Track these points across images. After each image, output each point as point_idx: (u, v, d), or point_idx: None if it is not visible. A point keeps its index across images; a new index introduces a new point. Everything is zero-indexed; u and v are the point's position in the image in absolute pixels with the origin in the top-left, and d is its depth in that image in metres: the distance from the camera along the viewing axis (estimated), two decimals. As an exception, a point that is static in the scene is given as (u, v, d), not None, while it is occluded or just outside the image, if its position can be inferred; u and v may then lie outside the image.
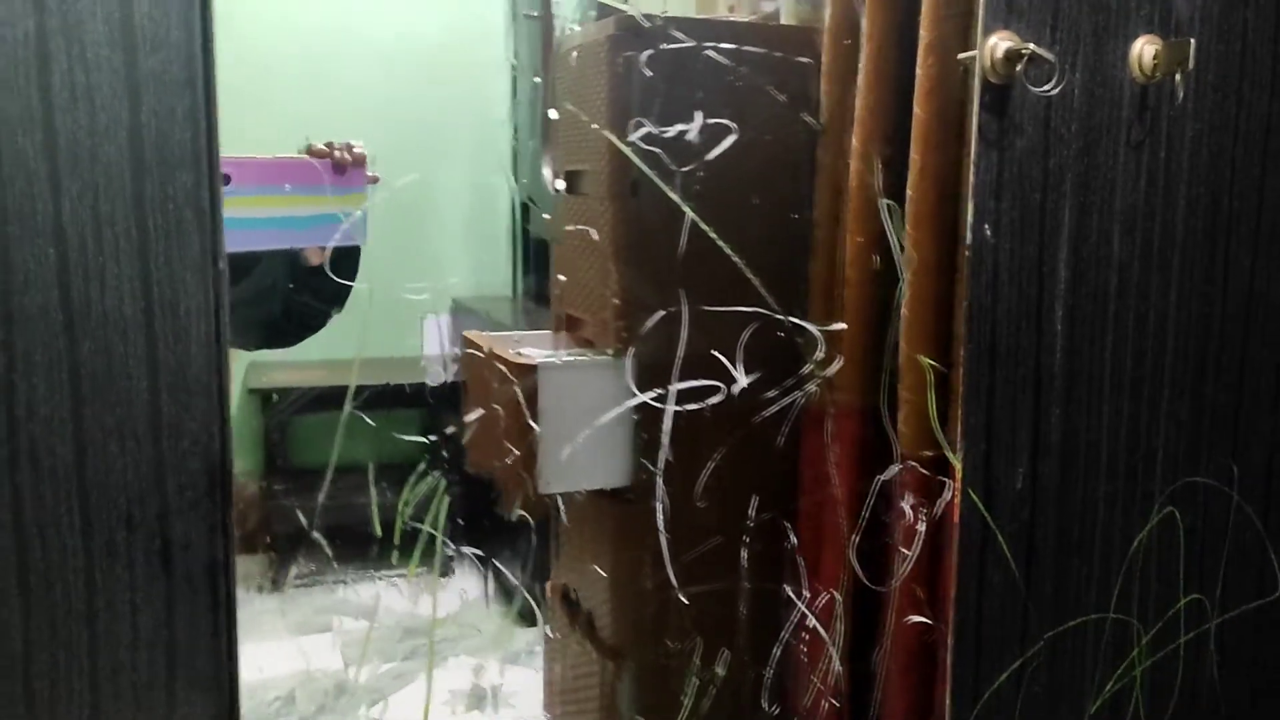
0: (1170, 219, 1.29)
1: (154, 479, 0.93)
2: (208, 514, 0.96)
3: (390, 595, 2.98)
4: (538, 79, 3.15)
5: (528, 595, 2.32)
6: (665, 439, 1.31)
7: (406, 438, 1.43)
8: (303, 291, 1.29)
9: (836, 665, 1.33)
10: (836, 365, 1.30)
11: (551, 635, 1.71)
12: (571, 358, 1.45)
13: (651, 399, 1.27)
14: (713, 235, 1.27)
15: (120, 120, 0.89)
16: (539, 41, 3.05)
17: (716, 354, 1.29)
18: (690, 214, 1.26)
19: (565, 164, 1.59)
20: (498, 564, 2.10)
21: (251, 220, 1.15)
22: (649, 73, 1.27)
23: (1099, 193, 1.25)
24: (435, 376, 3.05)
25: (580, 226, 1.47)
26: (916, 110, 1.23)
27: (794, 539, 1.32)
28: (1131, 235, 1.28)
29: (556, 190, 1.59)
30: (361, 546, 3.10)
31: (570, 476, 1.44)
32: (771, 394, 1.34)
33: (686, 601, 1.30)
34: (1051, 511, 1.26)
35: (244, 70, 3.14)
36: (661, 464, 1.31)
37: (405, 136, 3.27)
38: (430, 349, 3.45)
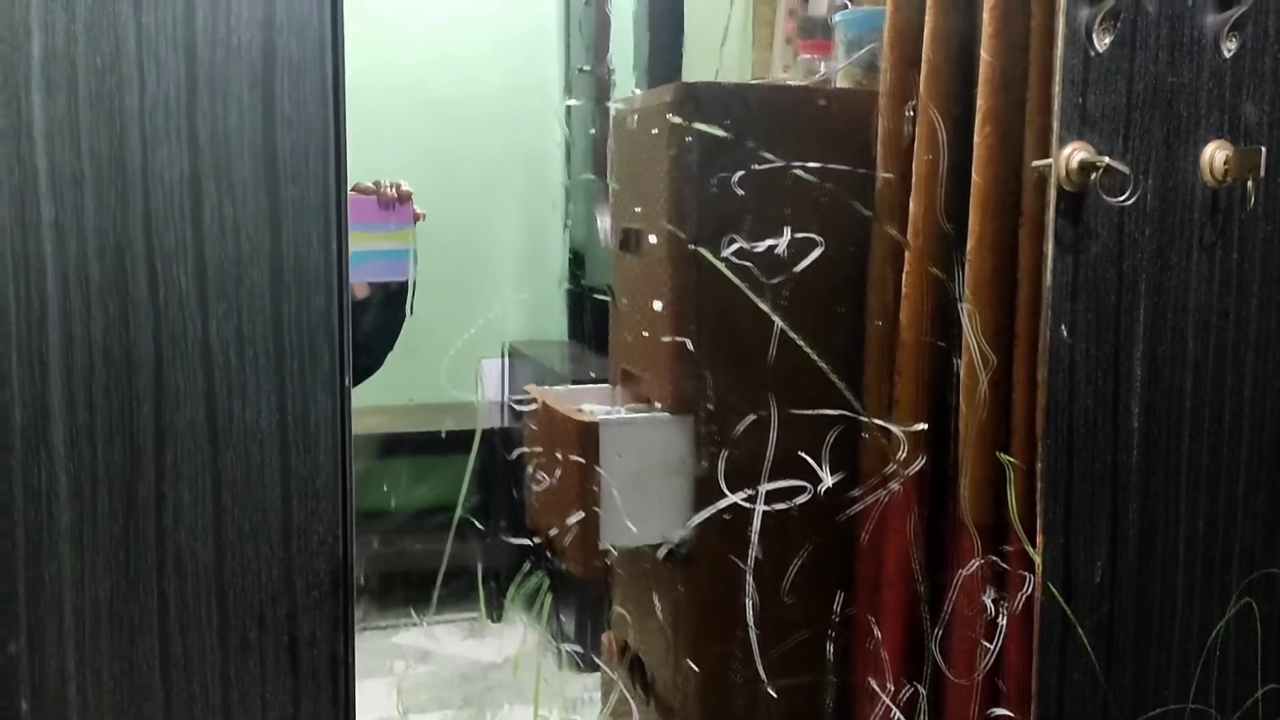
0: (1244, 317, 1.34)
1: (284, 580, 1.00)
2: (331, 611, 1.03)
3: (447, 638, 2.97)
4: (592, 131, 3.25)
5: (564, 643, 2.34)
6: (755, 537, 1.37)
7: (514, 540, 1.49)
8: (358, 332, 1.34)
9: None
10: (919, 464, 1.35)
11: (609, 684, 1.74)
12: (631, 414, 1.50)
13: (742, 499, 1.33)
14: (800, 343, 1.33)
15: (262, 248, 0.97)
16: (592, 94, 3.15)
17: (803, 455, 1.35)
18: (780, 323, 1.32)
19: (620, 222, 1.66)
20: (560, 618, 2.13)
21: None
22: (740, 192, 1.34)
23: (1173, 293, 1.30)
24: (487, 421, 3.11)
25: (641, 282, 1.53)
26: (975, 178, 1.29)
27: (879, 634, 1.37)
28: (1205, 334, 1.32)
29: (611, 248, 1.65)
30: (414, 591, 3.11)
31: (629, 532, 1.48)
32: (855, 493, 1.39)
33: (775, 695, 1.35)
34: (1130, 604, 1.30)
35: None
36: (751, 561, 1.37)
37: (461, 185, 3.36)
38: (487, 393, 3.51)
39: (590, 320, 3.34)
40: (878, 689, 1.34)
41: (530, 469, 1.62)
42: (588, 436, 1.43)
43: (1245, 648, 1.37)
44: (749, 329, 1.35)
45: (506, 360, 3.35)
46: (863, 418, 1.36)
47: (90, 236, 0.93)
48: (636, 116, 1.59)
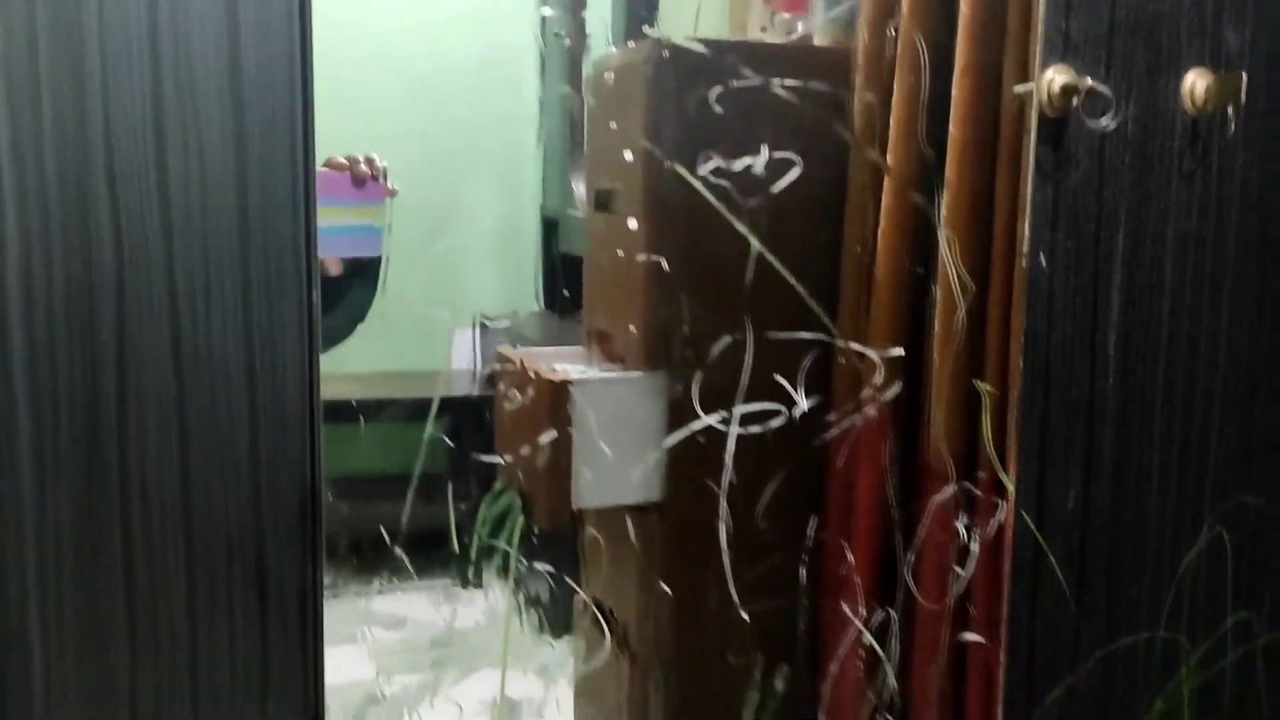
0: (1221, 246, 1.33)
1: (251, 509, 0.99)
2: (300, 540, 1.01)
3: (419, 604, 3.00)
4: (567, 88, 3.21)
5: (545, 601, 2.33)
6: (729, 460, 1.36)
7: (485, 458, 1.48)
8: (328, 303, 1.33)
9: (892, 682, 1.37)
10: (894, 390, 1.35)
11: (583, 649, 1.75)
12: (605, 374, 1.49)
13: (716, 422, 1.32)
14: (779, 266, 1.31)
15: (228, 172, 0.94)
16: (568, 61, 3.10)
17: (779, 378, 1.34)
18: (757, 245, 1.30)
19: (596, 183, 1.63)
20: (544, 571, 2.14)
21: None
22: (719, 109, 1.32)
23: (1152, 222, 1.29)
24: (460, 389, 3.11)
25: (614, 243, 1.51)
26: (953, 131, 1.27)
27: (851, 558, 1.37)
28: (1183, 262, 1.32)
29: (586, 208, 1.63)
30: (386, 557, 3.15)
31: (603, 492, 1.48)
32: (830, 417, 1.38)
33: (746, 618, 1.35)
34: (1102, 532, 1.30)
35: None
36: (725, 485, 1.36)
37: (434, 154, 3.34)
38: (459, 363, 3.51)
39: (564, 290, 3.32)
40: (850, 613, 1.35)
41: (503, 431, 1.61)
42: (560, 396, 1.42)
43: (1216, 576, 1.39)
44: (725, 250, 1.33)
45: (479, 330, 3.33)
46: (839, 342, 1.35)
47: (49, 157, 0.90)
48: (612, 76, 1.56)
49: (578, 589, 1.61)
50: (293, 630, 1.03)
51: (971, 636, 1.29)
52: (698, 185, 1.31)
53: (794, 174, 1.35)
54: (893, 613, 1.38)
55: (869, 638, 1.35)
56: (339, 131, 3.44)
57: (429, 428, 1.61)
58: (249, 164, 0.95)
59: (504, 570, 1.36)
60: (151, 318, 0.95)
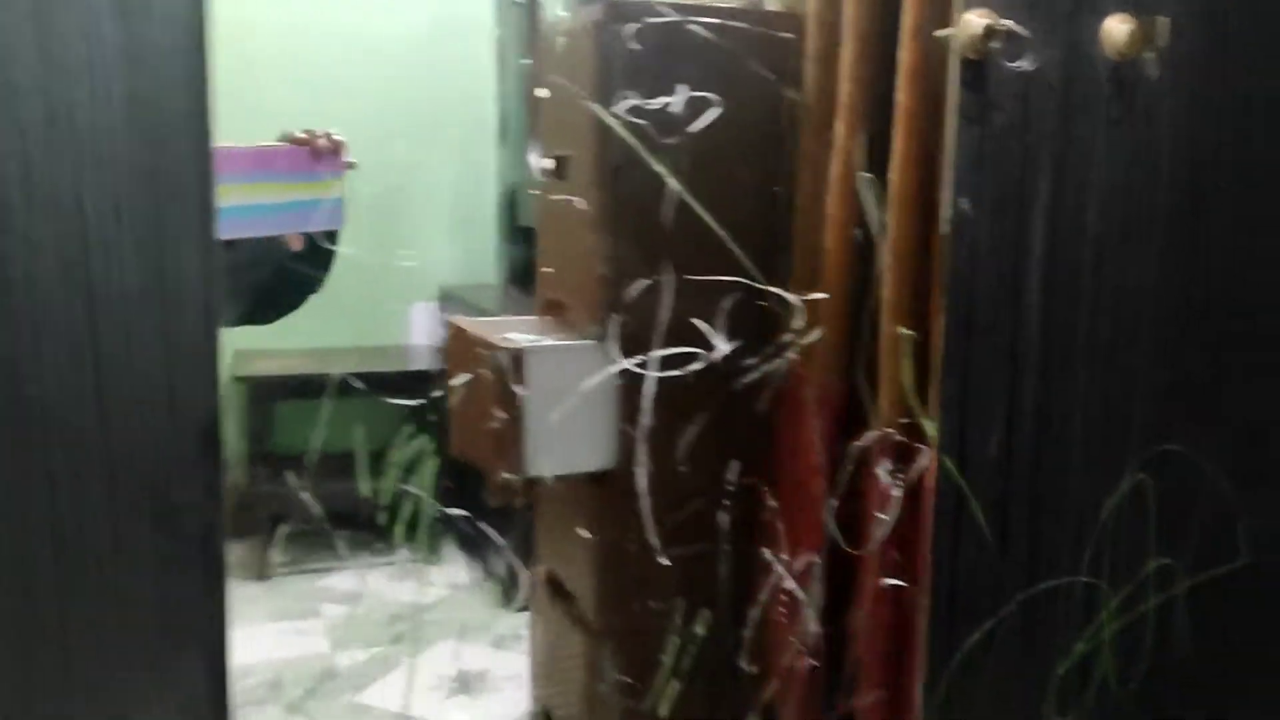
0: (1148, 195, 1.33)
1: (153, 444, 0.97)
2: (202, 476, 1.00)
3: (377, 581, 3.02)
4: (526, 60, 3.18)
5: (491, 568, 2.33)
6: (647, 404, 1.35)
7: (395, 400, 1.47)
8: (283, 274, 1.33)
9: (814, 626, 1.38)
10: (816, 334, 1.34)
11: (537, 617, 1.75)
12: (556, 341, 1.48)
13: (634, 365, 1.31)
14: (697, 207, 1.30)
15: (120, 87, 0.92)
16: (526, 29, 3.08)
17: (698, 322, 1.33)
18: (675, 185, 1.29)
19: (551, 149, 1.62)
20: (482, 527, 2.14)
21: (233, 208, 1.20)
22: (636, 46, 1.30)
23: (1076, 168, 1.29)
24: (422, 362, 3.10)
25: (565, 211, 1.50)
26: (900, 95, 1.26)
27: (774, 503, 1.36)
28: (1108, 209, 1.31)
29: (542, 175, 1.62)
30: (348, 532, 3.17)
31: (555, 460, 1.47)
32: (751, 361, 1.37)
33: (668, 563, 1.34)
34: (1025, 479, 1.31)
35: (231, 61, 3.16)
36: (643, 429, 1.35)
37: (392, 127, 3.31)
38: (418, 336, 3.49)
39: (524, 262, 3.31)
40: (773, 558, 1.35)
41: (454, 401, 1.60)
42: (511, 363, 1.41)
43: (1137, 523, 1.39)
44: (644, 191, 1.32)
45: (439, 303, 3.32)
46: (760, 285, 1.34)
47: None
48: (563, 40, 1.54)
49: (512, 559, 1.60)
50: (196, 566, 1.02)
51: (895, 582, 1.30)
52: (616, 126, 1.30)
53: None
54: (816, 558, 1.38)
55: (792, 583, 1.35)
56: (294, 103, 3.43)
57: (399, 408, 1.59)
58: (143, 80, 0.92)
59: (417, 517, 1.35)
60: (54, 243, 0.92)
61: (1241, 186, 1.36)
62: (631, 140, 1.27)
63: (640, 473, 1.30)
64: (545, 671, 1.86)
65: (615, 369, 1.31)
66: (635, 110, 1.27)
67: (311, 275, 1.34)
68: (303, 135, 1.28)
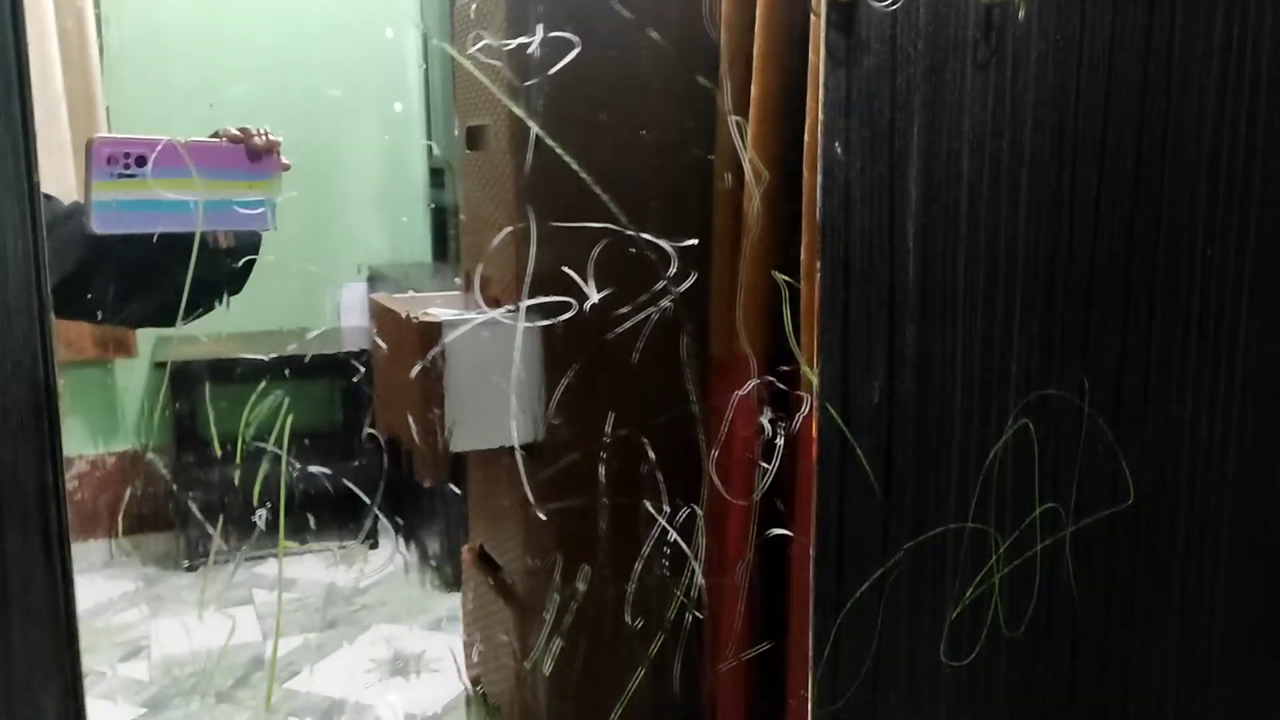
0: (1018, 138, 1.34)
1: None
2: (35, 440, 0.94)
3: (311, 567, 2.98)
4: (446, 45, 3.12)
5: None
6: (517, 355, 1.32)
7: (250, 356, 1.41)
8: (208, 275, 1.29)
9: (699, 579, 1.35)
10: (690, 281, 1.32)
11: (468, 594, 1.71)
12: (478, 316, 1.44)
13: (502, 315, 1.28)
14: (560, 151, 1.27)
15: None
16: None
17: (567, 270, 1.30)
18: (535, 129, 1.26)
19: (467, 119, 1.58)
20: (379, 514, 2.09)
21: (164, 203, 1.11)
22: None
23: (947, 112, 1.29)
24: (349, 344, 3.03)
25: (479, 182, 1.47)
26: (757, 39, 1.25)
27: (652, 455, 1.34)
28: (980, 154, 1.32)
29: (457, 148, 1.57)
30: (275, 520, 3.07)
31: (480, 435, 1.43)
32: (624, 310, 1.34)
33: (544, 518, 1.32)
34: (908, 425, 1.30)
35: (141, 40, 3.06)
36: (514, 381, 1.32)
37: (313, 101, 3.22)
38: (348, 318, 3.42)
39: (453, 239, 3.24)
40: (653, 511, 1.32)
41: (379, 379, 1.56)
42: (432, 338, 1.36)
43: (1023, 468, 1.40)
44: (503, 135, 1.29)
45: (368, 283, 3.24)
46: (630, 232, 1.32)
47: None
48: (474, 5, 1.50)
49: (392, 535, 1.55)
50: (34, 536, 0.96)
51: (780, 531, 1.28)
52: (472, 67, 1.26)
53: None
54: (698, 509, 1.36)
55: (674, 535, 1.32)
56: (210, 74, 3.31)
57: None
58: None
59: (274, 475, 1.30)
60: None
61: (1107, 130, 1.38)
62: (489, 83, 1.24)
63: (513, 427, 1.27)
64: (476, 649, 1.83)
65: (481, 318, 1.28)
66: (489, 50, 1.23)
67: (235, 276, 1.31)
68: (238, 132, 1.25)
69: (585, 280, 1.24)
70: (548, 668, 1.37)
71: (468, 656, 1.85)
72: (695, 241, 1.31)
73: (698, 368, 1.37)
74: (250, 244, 1.26)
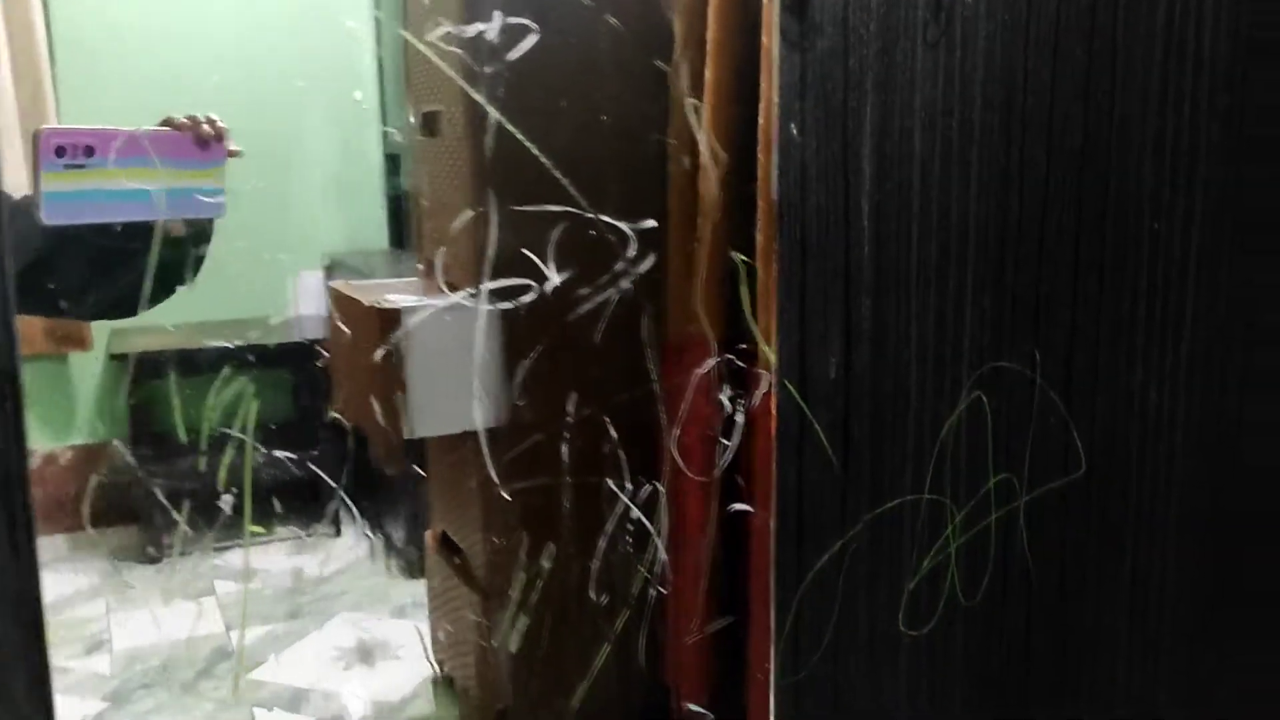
0: (968, 117, 1.37)
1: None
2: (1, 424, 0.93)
3: (275, 557, 2.96)
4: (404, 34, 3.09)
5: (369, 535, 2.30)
6: (479, 336, 1.33)
7: (213, 344, 1.41)
8: (165, 264, 1.29)
9: (662, 555, 1.38)
10: (649, 263, 1.34)
11: (432, 580, 1.71)
12: (433, 300, 1.44)
13: (462, 299, 1.29)
14: (519, 136, 1.28)
15: None
16: None
17: (527, 253, 1.31)
18: (494, 114, 1.27)
19: (421, 106, 1.58)
20: (346, 499, 2.09)
21: (115, 192, 1.11)
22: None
23: (899, 91, 1.31)
24: (307, 333, 3.02)
25: (436, 168, 1.47)
26: (710, 26, 1.27)
27: (614, 434, 1.36)
28: (931, 132, 1.34)
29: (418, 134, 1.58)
30: (236, 511, 3.07)
31: (440, 420, 1.44)
32: (584, 292, 1.36)
33: (508, 498, 1.33)
34: (865, 399, 1.33)
35: (93, 31, 3.01)
36: (476, 365, 1.33)
37: (267, 89, 3.18)
38: (305, 307, 3.40)
39: (410, 227, 3.22)
40: (615, 489, 1.34)
41: (337, 367, 1.55)
42: (391, 324, 1.37)
43: (976, 440, 1.43)
44: (459, 121, 1.30)
45: (325, 272, 3.22)
46: (589, 214, 1.33)
47: None
48: None
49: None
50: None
51: (741, 507, 1.30)
52: (432, 55, 1.27)
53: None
54: (660, 486, 1.38)
55: (637, 512, 1.34)
56: (164, 64, 3.26)
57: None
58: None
59: (237, 464, 1.30)
60: None
61: (1054, 109, 1.41)
62: (447, 69, 1.25)
63: (477, 409, 1.28)
64: (442, 632, 1.83)
65: (443, 302, 1.28)
66: (447, 38, 1.24)
67: (189, 264, 1.31)
68: (185, 121, 1.25)
69: (545, 262, 1.25)
70: (514, 646, 1.39)
71: (434, 640, 1.86)
72: (654, 223, 1.33)
73: (658, 348, 1.39)
74: (203, 231, 1.27)
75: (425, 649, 1.86)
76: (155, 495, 2.76)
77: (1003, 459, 1.46)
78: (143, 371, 2.93)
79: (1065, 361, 1.49)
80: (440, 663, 1.97)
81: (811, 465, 1.32)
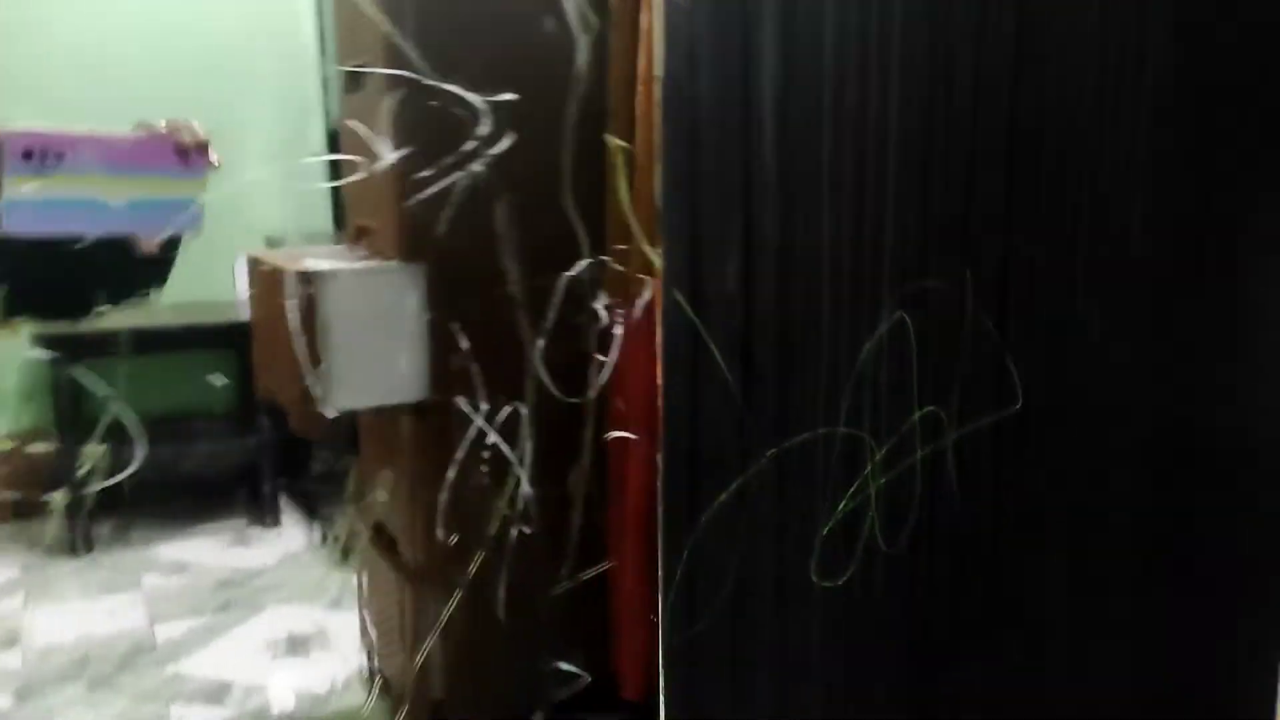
0: (887, 16, 1.19)
1: None
2: None
3: (208, 549, 2.86)
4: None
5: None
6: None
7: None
8: (128, 278, 1.14)
9: (526, 488, 1.21)
10: (506, 142, 1.17)
11: (363, 569, 1.55)
12: (356, 265, 1.28)
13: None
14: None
15: None
16: None
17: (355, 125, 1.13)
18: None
19: (344, 61, 1.40)
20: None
21: (85, 202, 1.05)
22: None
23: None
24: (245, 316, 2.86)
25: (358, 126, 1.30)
26: None
27: (465, 344, 1.18)
28: (843, 32, 1.17)
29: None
30: (171, 502, 2.95)
31: (361, 392, 1.27)
32: (427, 173, 1.18)
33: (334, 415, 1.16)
34: (770, 318, 1.16)
35: (17, 13, 2.86)
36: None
37: (207, 69, 3.05)
38: (241, 290, 3.27)
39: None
40: (469, 409, 1.16)
41: (258, 336, 1.39)
42: (308, 290, 1.20)
43: (900, 367, 1.27)
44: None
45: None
46: (430, 82, 1.16)
47: None
48: None
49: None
50: None
51: (621, 434, 1.14)
52: None
53: None
54: (522, 408, 1.21)
55: (495, 437, 1.17)
56: (99, 47, 3.07)
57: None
58: None
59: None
60: None
61: (986, 11, 1.25)
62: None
63: (290, 308, 1.11)
64: (372, 627, 1.70)
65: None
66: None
67: (156, 279, 1.18)
68: (162, 128, 1.11)
69: (378, 136, 1.08)
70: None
71: (364, 636, 1.71)
72: (512, 96, 1.16)
73: (517, 244, 1.21)
74: (175, 242, 1.14)
75: (367, 641, 1.72)
76: (81, 486, 2.62)
77: (929, 390, 1.30)
78: (71, 356, 2.75)
79: (999, 285, 1.34)
80: (369, 654, 1.82)
81: (707, 390, 1.15)
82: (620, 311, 1.09)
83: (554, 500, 1.18)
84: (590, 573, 1.15)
